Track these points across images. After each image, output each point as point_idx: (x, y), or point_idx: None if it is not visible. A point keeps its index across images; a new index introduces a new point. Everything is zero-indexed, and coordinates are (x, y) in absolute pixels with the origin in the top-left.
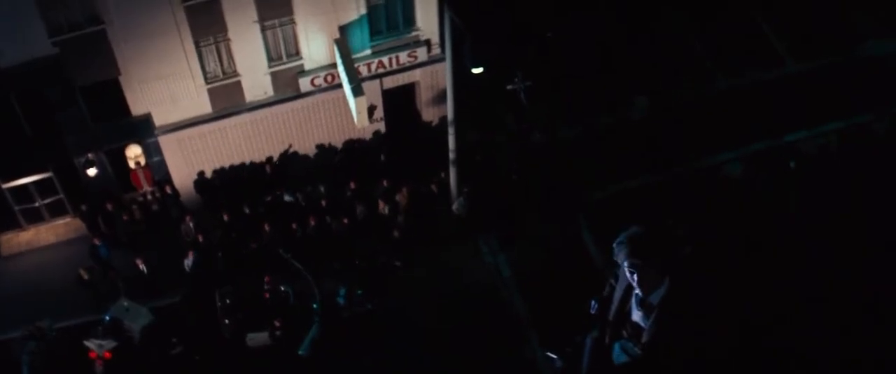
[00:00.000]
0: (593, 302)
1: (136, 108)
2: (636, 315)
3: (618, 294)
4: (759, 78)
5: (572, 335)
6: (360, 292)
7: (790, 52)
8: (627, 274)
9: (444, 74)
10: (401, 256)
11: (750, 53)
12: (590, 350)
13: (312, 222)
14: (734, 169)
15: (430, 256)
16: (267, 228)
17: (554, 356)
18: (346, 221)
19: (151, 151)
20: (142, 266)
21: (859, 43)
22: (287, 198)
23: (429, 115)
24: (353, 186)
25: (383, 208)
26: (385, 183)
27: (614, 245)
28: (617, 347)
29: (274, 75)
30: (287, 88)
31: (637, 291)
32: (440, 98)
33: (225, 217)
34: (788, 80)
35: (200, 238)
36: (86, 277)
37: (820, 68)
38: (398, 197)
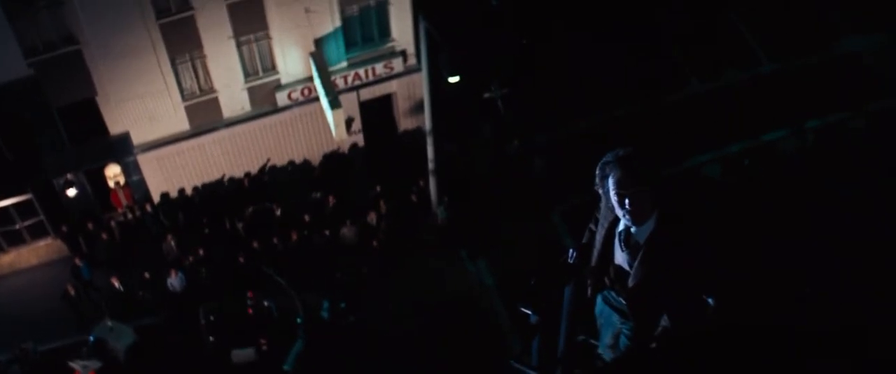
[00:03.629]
0: (571, 251)
1: (114, 127)
2: (620, 257)
3: (599, 237)
4: (736, 78)
5: (539, 285)
6: (342, 304)
7: (766, 52)
8: (614, 202)
9: (420, 85)
10: (379, 266)
11: (726, 54)
12: (569, 303)
13: (294, 237)
14: (713, 171)
15: (412, 265)
16: (250, 243)
17: (528, 312)
18: (327, 233)
19: (131, 169)
20: (117, 285)
21: (835, 40)
22: (269, 207)
23: (407, 125)
24: (331, 200)
25: (372, 218)
26: (377, 189)
27: (598, 169)
28: (599, 299)
29: (251, 90)
30: (264, 102)
31: (622, 226)
32: (418, 108)
33: (206, 233)
34: (765, 79)
35: (191, 259)
36: (72, 292)
37: (796, 67)
38: (377, 209)
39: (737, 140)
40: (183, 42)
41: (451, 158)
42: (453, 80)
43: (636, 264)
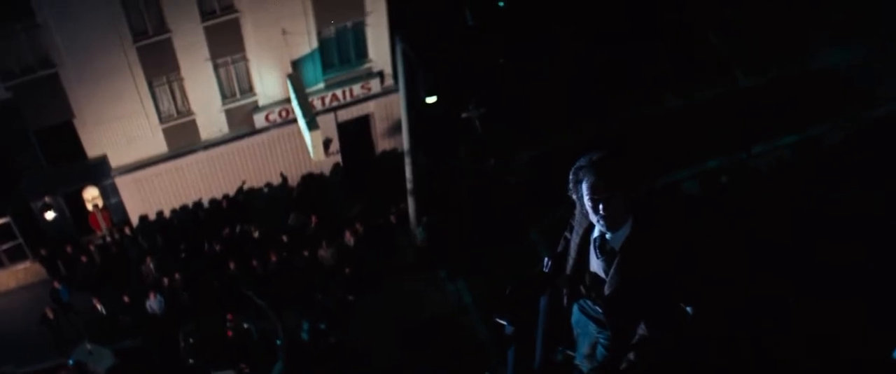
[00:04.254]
0: (546, 260)
1: (92, 149)
2: (595, 265)
3: (574, 245)
4: (713, 94)
5: (514, 294)
6: (322, 326)
7: (742, 68)
8: (588, 208)
9: (398, 105)
10: (358, 289)
11: (702, 70)
12: (545, 313)
13: (273, 259)
14: (692, 186)
15: (392, 286)
16: (229, 265)
17: (503, 322)
18: (306, 254)
19: (109, 192)
20: (100, 307)
21: (812, 55)
22: (247, 229)
23: (385, 145)
24: (314, 220)
25: (349, 239)
26: (356, 209)
27: (571, 173)
28: (576, 308)
29: (228, 112)
30: (242, 124)
31: (596, 233)
32: (395, 129)
33: (185, 256)
34: (742, 95)
35: (164, 280)
36: (51, 315)
37: (773, 82)
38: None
39: (715, 156)
40: (160, 64)
41: (429, 177)
42: (430, 100)
43: (612, 271)
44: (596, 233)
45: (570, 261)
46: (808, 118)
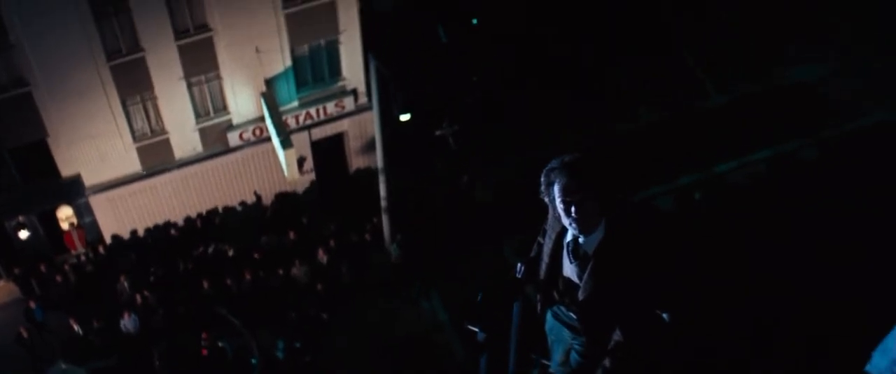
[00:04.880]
0: (519, 265)
1: (66, 168)
2: (569, 269)
3: (547, 249)
4: (686, 110)
5: (487, 301)
6: (297, 344)
7: (716, 84)
8: (560, 211)
9: (372, 123)
10: (332, 306)
11: (676, 86)
12: (518, 319)
13: (247, 277)
14: (665, 203)
15: (367, 303)
16: (203, 284)
17: (475, 330)
18: (280, 272)
19: (83, 211)
20: (76, 328)
21: (786, 69)
22: (222, 248)
23: (359, 163)
24: (292, 235)
25: (322, 256)
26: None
27: (543, 175)
28: (549, 315)
29: (202, 131)
30: (216, 143)
31: (569, 237)
32: (369, 147)
33: (159, 274)
34: (716, 111)
35: (138, 299)
36: (25, 335)
37: (746, 97)
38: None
39: (688, 172)
40: (134, 83)
41: (403, 195)
42: (404, 118)
43: (586, 276)
44: (569, 237)
45: (543, 266)
46: (782, 133)
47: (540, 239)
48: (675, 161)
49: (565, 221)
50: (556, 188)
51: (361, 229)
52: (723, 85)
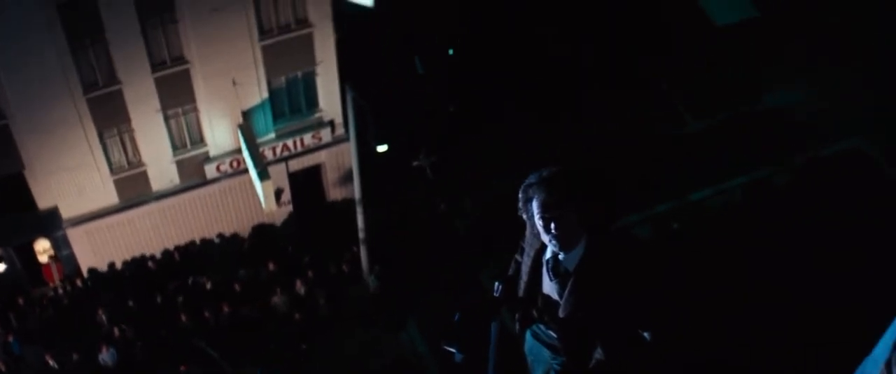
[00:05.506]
0: (497, 284)
1: (43, 201)
2: (548, 287)
3: (525, 267)
4: (661, 137)
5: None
6: None
7: (691, 110)
8: (539, 227)
9: (349, 154)
10: (311, 337)
11: (651, 113)
12: (496, 339)
13: (225, 309)
14: (643, 231)
15: (346, 334)
16: (181, 316)
17: (452, 350)
18: (259, 303)
19: (60, 244)
20: (52, 363)
21: (761, 95)
22: (200, 281)
23: (336, 195)
24: (271, 266)
25: (299, 287)
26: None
27: (521, 191)
28: (528, 335)
29: (179, 163)
30: (193, 175)
31: (549, 254)
32: (347, 178)
33: (136, 308)
34: (691, 138)
35: (116, 332)
36: (3, 369)
37: (721, 124)
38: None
39: (665, 200)
40: (110, 116)
41: (380, 226)
42: (382, 149)
43: (566, 293)
44: (548, 254)
45: (522, 284)
46: (757, 159)
47: (517, 257)
48: (651, 189)
49: (545, 237)
50: (535, 204)
51: (339, 260)
52: (699, 112)
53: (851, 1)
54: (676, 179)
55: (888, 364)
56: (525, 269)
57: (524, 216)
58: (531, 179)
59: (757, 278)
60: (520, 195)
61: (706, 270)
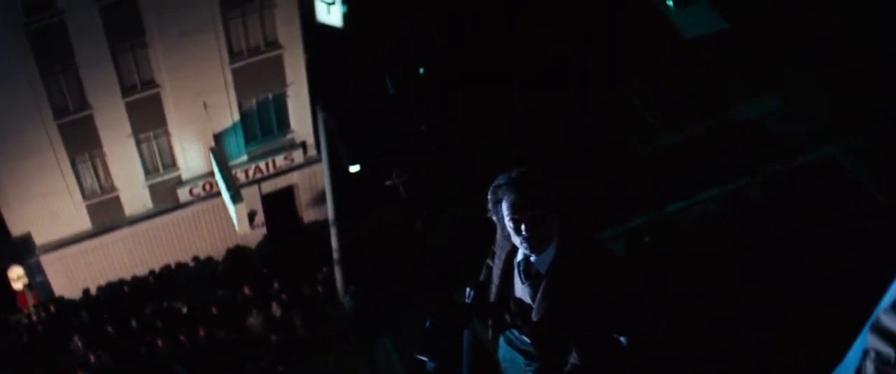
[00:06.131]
0: (468, 290)
1: (16, 227)
2: (520, 290)
3: (496, 271)
4: (634, 152)
5: (435, 328)
6: None
7: (663, 124)
8: (509, 229)
9: (322, 175)
10: (287, 358)
11: (623, 128)
12: (469, 347)
13: (201, 334)
14: (617, 247)
15: (322, 356)
16: (157, 341)
17: (424, 359)
18: (234, 326)
19: (34, 270)
20: None
21: (731, 108)
22: (175, 306)
23: (310, 216)
24: (247, 291)
25: (276, 309)
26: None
27: (490, 192)
28: (502, 342)
29: (152, 188)
30: (166, 199)
31: (520, 256)
32: (320, 198)
33: (112, 333)
34: (663, 152)
35: (92, 358)
36: None
37: (693, 137)
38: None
39: (638, 214)
40: (82, 141)
41: (355, 246)
42: (354, 169)
43: (538, 296)
44: (520, 256)
45: (494, 288)
46: (731, 171)
47: (488, 261)
48: (625, 203)
49: (515, 239)
50: (505, 206)
51: (314, 280)
52: (672, 125)
53: (821, 12)
54: (649, 194)
55: (858, 371)
56: (496, 273)
57: (494, 218)
58: (500, 179)
59: (732, 289)
60: (489, 197)
61: (680, 283)
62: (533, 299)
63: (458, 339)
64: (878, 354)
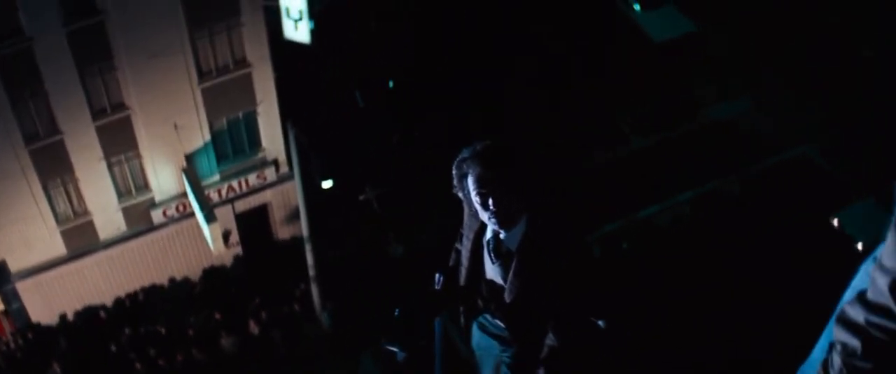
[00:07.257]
0: (438, 275)
1: None
2: (491, 270)
3: (466, 252)
4: (606, 158)
5: (405, 317)
6: None
7: (634, 129)
8: (476, 205)
9: (295, 192)
10: None
11: (595, 134)
12: (441, 336)
13: (179, 358)
14: (595, 251)
15: (303, 373)
16: (135, 365)
17: (395, 349)
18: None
19: (10, 297)
20: None
21: (702, 110)
22: (153, 329)
23: (284, 233)
24: (217, 316)
25: (253, 327)
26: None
27: (455, 167)
28: (475, 328)
29: (125, 210)
30: (140, 221)
31: (489, 234)
32: (294, 216)
33: (90, 358)
34: (636, 156)
35: None
36: None
37: (666, 140)
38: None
39: (613, 219)
40: (54, 166)
41: (331, 262)
42: (326, 184)
43: (510, 276)
44: (489, 234)
45: (463, 272)
46: (704, 173)
47: (457, 245)
48: (600, 208)
49: (483, 215)
50: (470, 180)
51: (291, 298)
52: (642, 129)
53: (791, 12)
54: (623, 198)
55: (824, 365)
56: (465, 255)
57: (460, 195)
58: (464, 153)
59: (708, 289)
60: (454, 172)
61: (659, 285)
62: (504, 279)
63: (430, 328)
64: (844, 346)
